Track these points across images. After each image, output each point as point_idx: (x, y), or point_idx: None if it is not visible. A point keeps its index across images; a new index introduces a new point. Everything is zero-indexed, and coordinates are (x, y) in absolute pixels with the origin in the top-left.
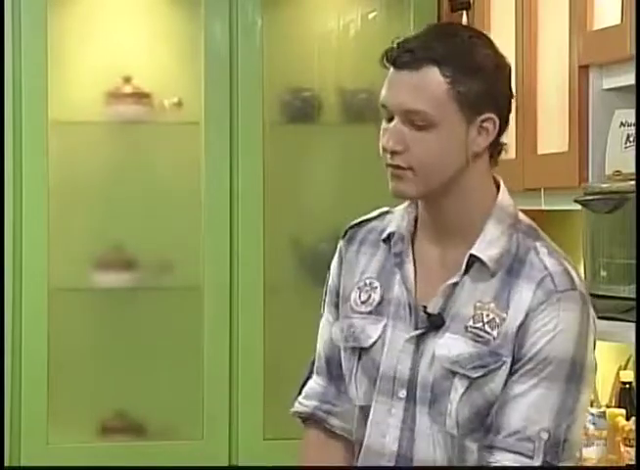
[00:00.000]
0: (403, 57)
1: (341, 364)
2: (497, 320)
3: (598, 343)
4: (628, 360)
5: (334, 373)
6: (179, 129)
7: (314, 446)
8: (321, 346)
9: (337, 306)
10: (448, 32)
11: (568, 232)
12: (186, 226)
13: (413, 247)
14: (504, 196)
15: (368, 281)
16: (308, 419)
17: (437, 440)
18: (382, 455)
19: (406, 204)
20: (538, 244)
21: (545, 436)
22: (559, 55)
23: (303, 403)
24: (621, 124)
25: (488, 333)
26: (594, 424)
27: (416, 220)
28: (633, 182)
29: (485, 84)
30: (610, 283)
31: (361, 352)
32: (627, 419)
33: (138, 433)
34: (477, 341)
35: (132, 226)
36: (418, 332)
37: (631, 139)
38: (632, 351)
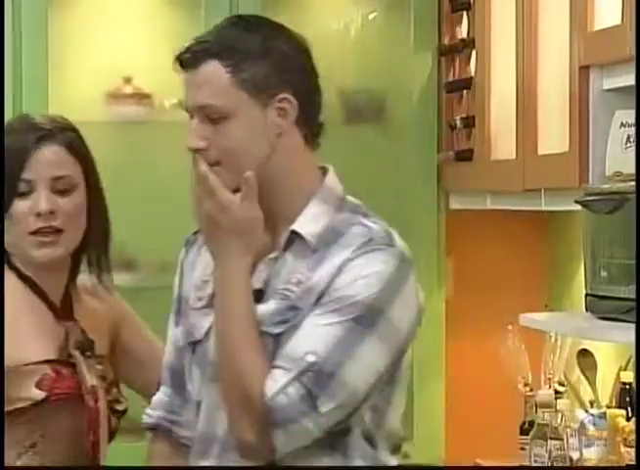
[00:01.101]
0: (184, 57)
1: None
2: (302, 280)
3: (598, 343)
4: (629, 361)
5: (178, 382)
6: (180, 130)
7: (158, 458)
8: (166, 356)
9: (179, 313)
10: (229, 24)
11: (568, 233)
12: (186, 227)
13: None
14: (331, 180)
15: (204, 278)
16: (155, 430)
17: None
18: (211, 442)
19: None
20: (364, 219)
21: (311, 359)
22: (559, 55)
23: (149, 414)
24: (622, 125)
25: (290, 290)
26: (594, 424)
27: None
28: (634, 183)
29: (270, 67)
30: (610, 283)
31: (195, 345)
32: (628, 420)
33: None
34: (282, 299)
35: (132, 226)
36: None
37: (632, 140)
38: (632, 351)
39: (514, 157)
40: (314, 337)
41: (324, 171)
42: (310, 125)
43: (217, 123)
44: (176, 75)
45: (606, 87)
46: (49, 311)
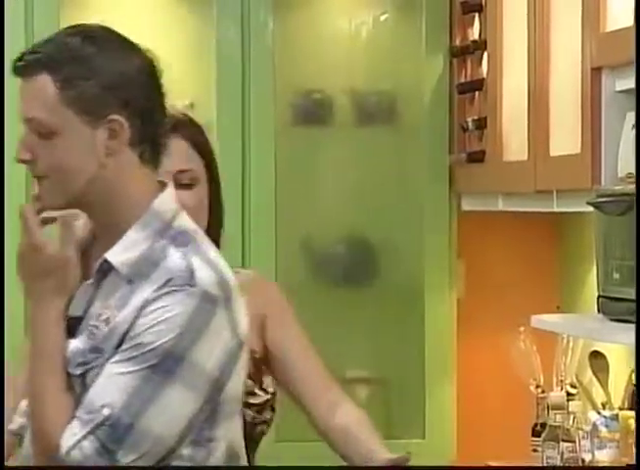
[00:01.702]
0: (17, 65)
1: None
2: (110, 318)
3: (610, 345)
4: None
5: None
6: None
7: None
8: None
9: None
10: (65, 35)
11: (580, 234)
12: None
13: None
14: (162, 200)
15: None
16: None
17: None
18: None
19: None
20: (175, 249)
21: (107, 412)
22: (571, 56)
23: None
24: (634, 127)
25: (98, 327)
26: (607, 426)
27: None
28: None
29: (101, 86)
30: (622, 285)
31: None
32: None
33: None
34: (89, 338)
35: None
36: None
37: None
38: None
39: (526, 158)
40: (111, 386)
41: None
42: (148, 144)
43: (45, 138)
44: (187, 77)
45: (618, 89)
46: None
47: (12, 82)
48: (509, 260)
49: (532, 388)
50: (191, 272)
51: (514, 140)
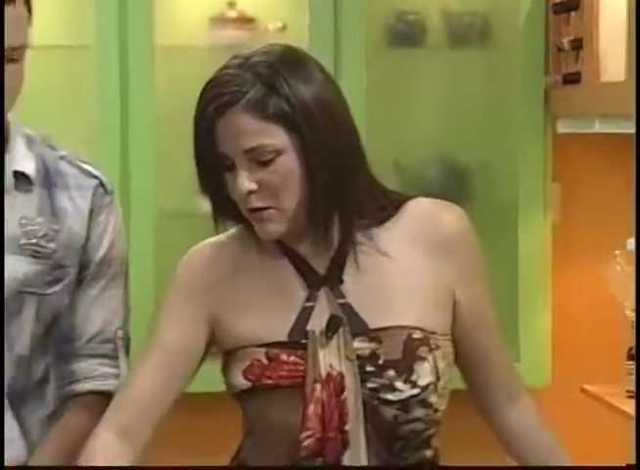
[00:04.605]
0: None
1: None
2: (50, 233)
3: None
4: None
5: None
6: None
7: None
8: None
9: None
10: None
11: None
12: None
13: None
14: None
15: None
16: None
17: (7, 364)
18: None
19: None
20: (63, 153)
21: (121, 333)
22: None
23: None
24: None
25: (45, 247)
26: None
27: None
28: None
29: None
30: None
31: None
32: None
33: None
34: (37, 257)
35: None
36: None
37: None
38: None
39: (623, 79)
40: (108, 309)
41: None
42: None
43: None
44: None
45: None
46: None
47: (116, 6)
48: (605, 183)
49: (628, 311)
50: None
51: (611, 60)
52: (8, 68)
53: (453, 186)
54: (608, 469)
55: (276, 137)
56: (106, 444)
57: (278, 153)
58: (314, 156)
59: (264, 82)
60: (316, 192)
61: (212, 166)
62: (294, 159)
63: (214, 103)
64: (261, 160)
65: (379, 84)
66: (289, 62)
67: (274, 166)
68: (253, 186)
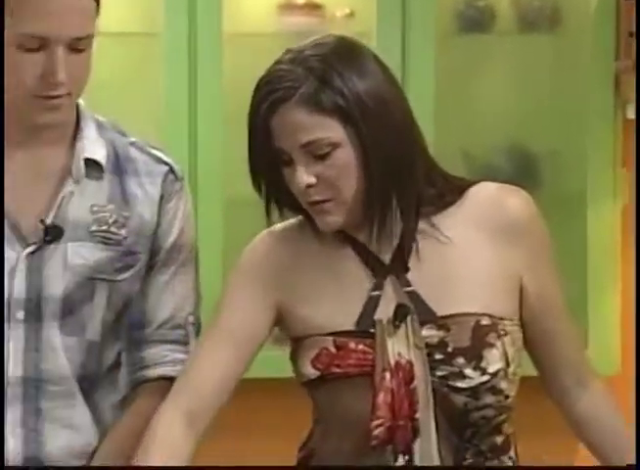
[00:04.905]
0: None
1: None
2: (121, 220)
3: None
4: None
5: None
6: None
7: None
8: None
9: None
10: None
11: None
12: None
13: None
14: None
15: None
16: None
17: (73, 351)
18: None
19: None
20: (133, 139)
21: (191, 319)
22: None
23: None
24: None
25: (116, 234)
26: None
27: None
28: None
29: None
30: None
31: None
32: None
33: None
34: (108, 244)
35: None
36: (31, 248)
37: None
38: None
39: None
40: (179, 295)
41: None
42: None
43: None
44: None
45: None
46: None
47: None
48: None
49: None
50: (173, 166)
51: None
52: (74, 57)
53: (522, 173)
54: (607, 469)
55: (332, 131)
56: (170, 425)
57: (334, 146)
58: (370, 148)
59: (317, 76)
60: (373, 183)
61: (269, 161)
62: (350, 151)
63: (268, 99)
64: (318, 153)
65: (447, 71)
66: (342, 54)
67: (331, 160)
68: (312, 180)
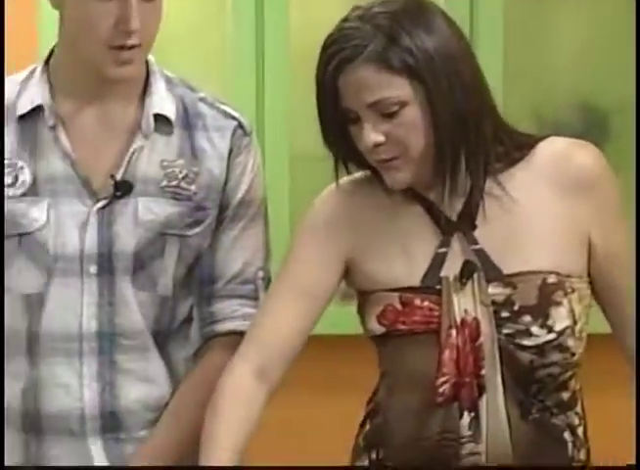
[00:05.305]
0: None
1: None
2: (191, 175)
3: None
4: None
5: None
6: None
7: None
8: None
9: None
10: None
11: None
12: None
13: (59, 114)
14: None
15: (7, 162)
16: None
17: (146, 305)
18: (72, 339)
19: (32, 70)
20: (202, 95)
21: (261, 274)
22: None
23: None
24: None
25: (186, 189)
26: None
27: (51, 84)
28: None
29: None
30: None
31: (21, 237)
32: None
33: None
34: (178, 199)
35: None
36: (102, 203)
37: None
38: None
39: None
40: (248, 250)
41: None
42: None
43: None
44: None
45: None
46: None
47: None
48: None
49: None
50: (244, 119)
51: None
52: (146, 6)
53: (593, 130)
54: (608, 469)
55: (399, 89)
56: (239, 379)
57: (402, 104)
58: (438, 106)
59: (385, 34)
60: (442, 141)
61: (337, 121)
62: (418, 110)
63: (336, 58)
64: (386, 112)
65: (516, 26)
66: (410, 11)
67: (399, 118)
68: (380, 138)
